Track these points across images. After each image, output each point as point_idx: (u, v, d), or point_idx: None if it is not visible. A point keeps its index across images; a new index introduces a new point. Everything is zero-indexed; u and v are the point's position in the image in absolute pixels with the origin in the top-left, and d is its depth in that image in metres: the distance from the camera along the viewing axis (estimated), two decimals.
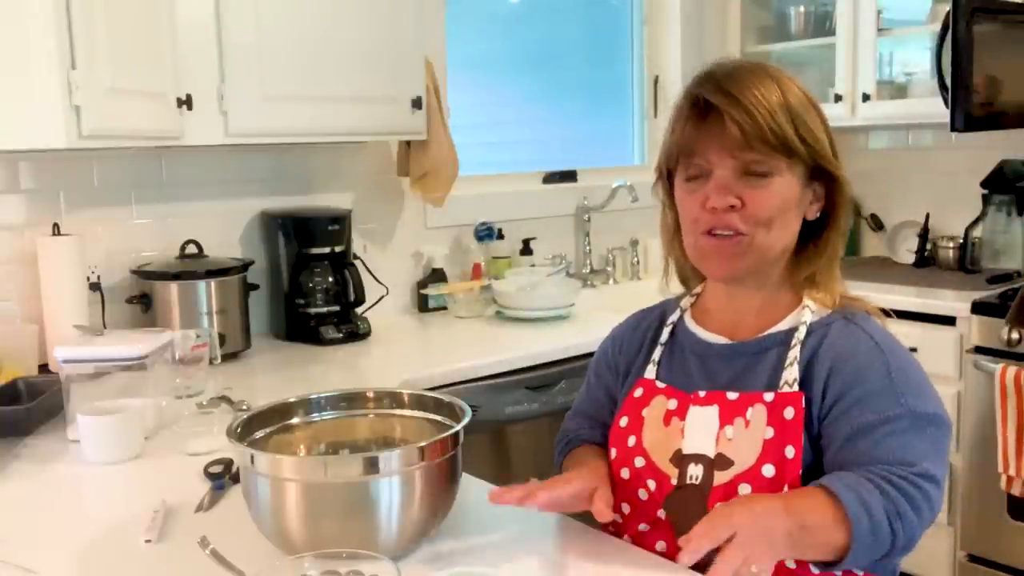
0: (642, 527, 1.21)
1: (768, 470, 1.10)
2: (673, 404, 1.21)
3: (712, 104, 1.12)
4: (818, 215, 1.20)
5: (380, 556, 0.96)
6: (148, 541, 1.21)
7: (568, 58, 3.38)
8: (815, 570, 1.10)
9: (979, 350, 2.52)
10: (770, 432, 1.11)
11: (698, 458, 1.15)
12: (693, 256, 1.21)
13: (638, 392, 1.25)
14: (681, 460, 1.17)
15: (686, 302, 1.30)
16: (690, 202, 1.17)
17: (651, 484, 1.19)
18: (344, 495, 1.07)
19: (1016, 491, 2.40)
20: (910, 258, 3.26)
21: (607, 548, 1.16)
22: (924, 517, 1.05)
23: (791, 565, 1.10)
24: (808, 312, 1.18)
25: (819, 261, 1.20)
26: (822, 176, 1.17)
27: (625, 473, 1.22)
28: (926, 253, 3.21)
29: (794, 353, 1.14)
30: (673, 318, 1.29)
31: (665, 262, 1.31)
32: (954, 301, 2.60)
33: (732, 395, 1.16)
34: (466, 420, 1.17)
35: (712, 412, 1.16)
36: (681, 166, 1.18)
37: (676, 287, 1.35)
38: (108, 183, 2.29)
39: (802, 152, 1.13)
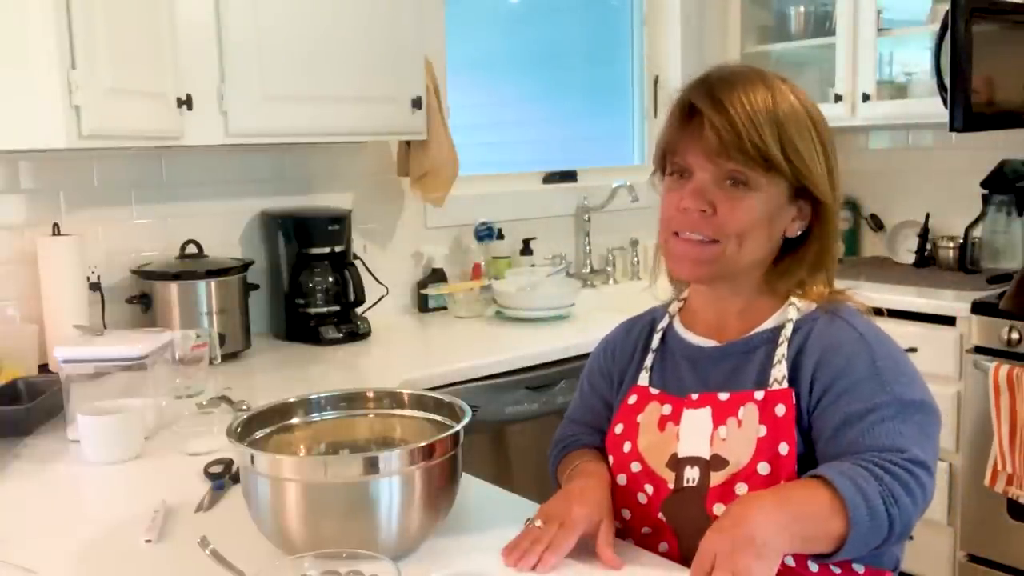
0: (645, 530, 1.21)
1: (763, 468, 1.10)
2: (667, 409, 1.21)
3: (697, 107, 1.13)
4: (798, 234, 1.18)
5: (380, 556, 0.96)
6: (148, 541, 1.21)
7: (568, 58, 3.38)
8: (813, 567, 1.10)
9: (979, 350, 2.52)
10: (763, 430, 1.11)
11: (694, 460, 1.16)
12: (663, 253, 1.22)
13: (632, 399, 1.25)
14: (677, 464, 1.17)
15: (674, 307, 1.30)
16: (668, 200, 1.18)
17: (648, 489, 1.19)
18: (344, 495, 1.07)
19: (999, 487, 2.41)
20: (910, 258, 3.26)
21: None
22: (918, 502, 1.05)
23: (790, 562, 1.10)
24: (793, 309, 1.18)
25: (799, 274, 1.19)
26: (810, 195, 1.16)
27: (622, 479, 1.22)
28: (926, 253, 3.21)
29: (782, 350, 1.15)
30: (663, 324, 1.29)
31: (655, 259, 1.31)
32: (954, 301, 2.60)
33: (723, 396, 1.16)
34: (466, 420, 1.17)
35: (705, 414, 1.17)
36: (667, 164, 1.19)
37: (662, 287, 1.36)
38: (108, 183, 2.29)
39: (784, 168, 1.12)
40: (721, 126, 1.10)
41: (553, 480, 1.36)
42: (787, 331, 1.16)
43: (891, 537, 1.04)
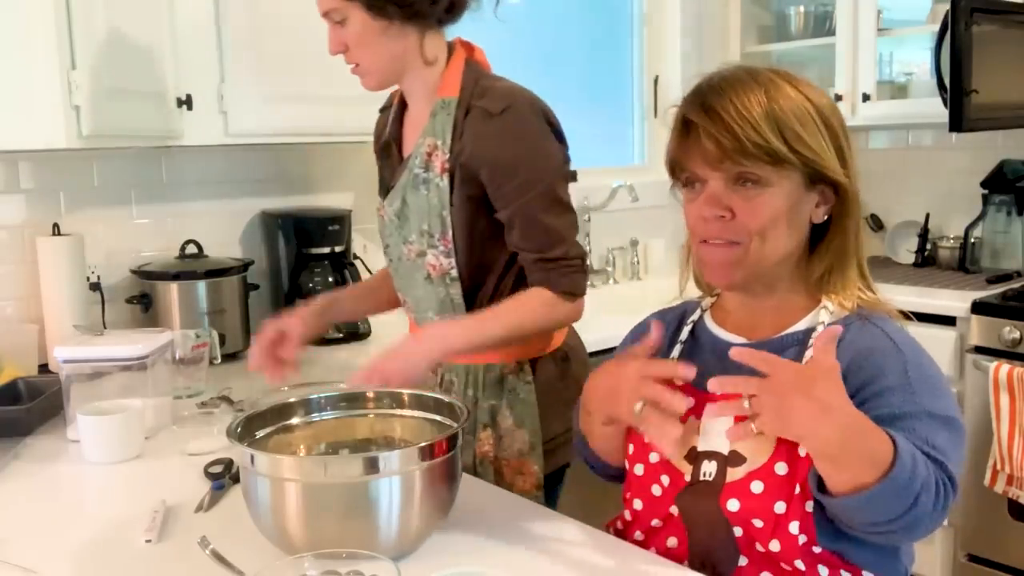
0: (654, 523, 1.21)
1: (781, 468, 1.10)
2: (690, 402, 1.21)
3: (691, 120, 1.13)
4: (825, 218, 1.18)
5: (380, 556, 0.96)
6: (148, 541, 1.21)
7: (568, 58, 3.38)
8: (823, 572, 1.10)
9: (979, 350, 2.53)
10: None
11: (712, 455, 1.16)
12: (695, 264, 1.22)
13: None
14: (696, 457, 1.17)
15: (707, 302, 1.30)
16: (688, 211, 1.18)
17: (664, 480, 1.19)
18: (344, 495, 1.07)
19: (999, 488, 2.42)
20: (910, 258, 3.26)
21: (608, 548, 1.17)
22: (937, 510, 1.03)
23: (800, 566, 1.09)
24: (825, 312, 1.17)
25: (828, 262, 1.18)
26: (828, 179, 1.15)
27: (639, 469, 1.22)
28: (926, 253, 3.21)
29: (811, 353, 1.14)
30: (693, 317, 1.29)
31: (682, 264, 1.30)
32: (954, 301, 2.60)
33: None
34: (465, 420, 1.18)
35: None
36: (679, 177, 1.19)
37: (692, 291, 1.35)
38: (108, 183, 2.29)
39: (792, 160, 1.11)
40: (717, 133, 1.10)
41: (579, 441, 1.32)
42: (817, 334, 1.15)
43: (900, 518, 1.01)
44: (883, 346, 1.12)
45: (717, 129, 1.10)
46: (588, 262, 1.52)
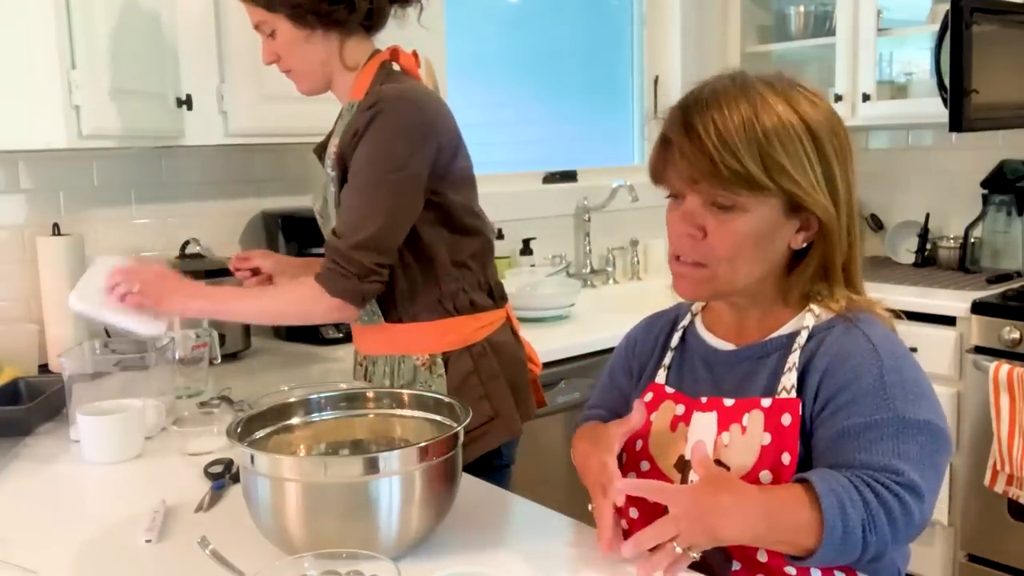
0: None
1: (765, 476, 1.10)
2: (680, 410, 1.21)
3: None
4: (804, 246, 1.15)
5: (380, 556, 0.96)
6: (148, 541, 1.21)
7: (568, 58, 3.38)
8: (791, 571, 1.10)
9: (979, 350, 2.53)
10: (767, 438, 1.11)
11: None
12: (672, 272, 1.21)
13: (648, 396, 1.25)
14: (684, 466, 1.17)
15: (697, 307, 1.29)
16: (668, 219, 1.17)
17: None
18: (344, 495, 1.07)
19: (999, 488, 2.42)
20: (910, 258, 3.26)
21: None
22: (899, 531, 1.02)
23: (791, 571, 1.10)
24: (811, 316, 1.16)
25: (808, 283, 1.17)
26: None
27: (632, 477, 1.22)
28: (926, 253, 3.21)
29: (793, 358, 1.13)
30: (684, 323, 1.29)
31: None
32: (954, 301, 2.60)
33: (729, 402, 1.16)
34: (466, 420, 1.17)
35: (711, 418, 1.16)
36: (660, 186, 1.18)
37: None
38: (108, 183, 2.29)
39: (770, 187, 1.07)
40: (691, 153, 1.07)
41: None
42: (801, 338, 1.14)
43: (859, 562, 1.04)
44: (861, 350, 1.10)
45: (693, 151, 1.07)
46: (377, 277, 1.56)
